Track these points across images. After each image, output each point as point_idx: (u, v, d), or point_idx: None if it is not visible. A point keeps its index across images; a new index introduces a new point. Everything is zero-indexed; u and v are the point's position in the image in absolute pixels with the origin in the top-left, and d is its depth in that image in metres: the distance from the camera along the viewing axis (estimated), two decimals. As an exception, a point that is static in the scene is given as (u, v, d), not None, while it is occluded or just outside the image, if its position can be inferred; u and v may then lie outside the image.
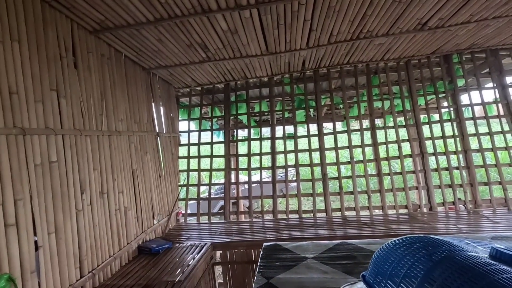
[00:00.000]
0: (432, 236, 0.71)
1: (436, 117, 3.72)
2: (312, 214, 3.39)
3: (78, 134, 1.97)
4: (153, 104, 3.23)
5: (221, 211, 4.77)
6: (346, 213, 3.40)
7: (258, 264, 1.94)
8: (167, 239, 2.86)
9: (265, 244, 2.24)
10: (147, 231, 2.79)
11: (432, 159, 3.53)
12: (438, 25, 2.69)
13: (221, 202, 6.39)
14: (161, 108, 3.43)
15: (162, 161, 3.28)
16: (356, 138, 3.72)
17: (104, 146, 2.27)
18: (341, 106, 3.97)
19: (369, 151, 3.68)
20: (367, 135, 3.60)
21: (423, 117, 3.86)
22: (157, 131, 3.24)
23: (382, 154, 3.58)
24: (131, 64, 2.81)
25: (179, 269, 2.25)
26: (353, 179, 3.45)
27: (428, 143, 3.52)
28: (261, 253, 2.13)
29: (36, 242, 1.61)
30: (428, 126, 3.53)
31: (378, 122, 4.61)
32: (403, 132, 3.69)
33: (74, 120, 1.97)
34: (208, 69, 3.27)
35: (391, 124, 3.59)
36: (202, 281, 2.48)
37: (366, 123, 3.81)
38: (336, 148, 3.53)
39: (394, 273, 0.66)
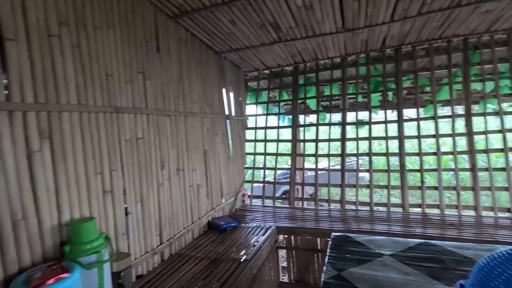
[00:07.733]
0: None
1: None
2: (386, 208, 3.09)
3: (159, 114, 2.13)
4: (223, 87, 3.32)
5: (283, 196, 4.77)
6: (427, 210, 3.00)
7: (327, 254, 1.85)
8: (234, 218, 2.97)
9: (334, 234, 2.12)
10: (216, 208, 2.94)
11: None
12: None
13: (283, 187, 6.40)
14: (230, 91, 3.51)
15: (230, 143, 3.39)
16: (444, 127, 3.21)
17: (181, 126, 2.42)
18: (428, 88, 3.45)
19: (461, 141, 3.13)
20: (460, 122, 3.06)
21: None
22: (227, 113, 3.34)
23: (480, 145, 3.01)
24: (205, 48, 2.91)
25: (245, 249, 2.31)
26: (438, 173, 3.00)
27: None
28: (329, 243, 2.03)
29: (126, 208, 1.83)
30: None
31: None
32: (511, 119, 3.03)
33: (157, 101, 2.13)
34: (278, 50, 3.18)
35: (494, 109, 2.97)
36: (266, 262, 2.51)
37: (456, 108, 3.24)
38: (419, 137, 3.10)
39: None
